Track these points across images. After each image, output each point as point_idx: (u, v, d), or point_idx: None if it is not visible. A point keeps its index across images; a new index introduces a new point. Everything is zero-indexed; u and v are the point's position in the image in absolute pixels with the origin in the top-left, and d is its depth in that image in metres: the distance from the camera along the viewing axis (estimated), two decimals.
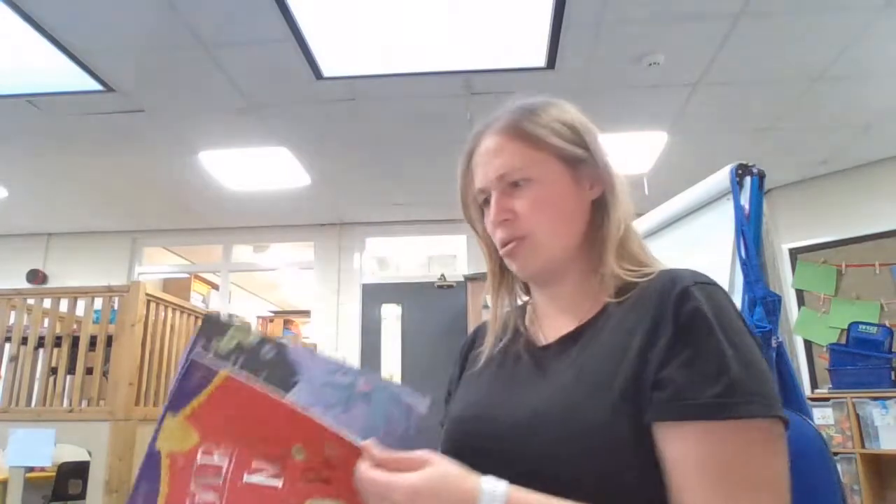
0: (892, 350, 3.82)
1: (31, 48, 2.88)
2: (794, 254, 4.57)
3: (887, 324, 3.95)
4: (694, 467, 0.60)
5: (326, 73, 3.16)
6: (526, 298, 0.91)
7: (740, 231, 1.62)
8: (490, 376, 0.82)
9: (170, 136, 3.89)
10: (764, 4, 2.67)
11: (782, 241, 4.60)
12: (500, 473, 0.61)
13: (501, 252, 0.81)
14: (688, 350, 0.63)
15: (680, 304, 0.66)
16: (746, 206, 1.64)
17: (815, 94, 3.45)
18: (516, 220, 0.78)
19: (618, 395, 0.64)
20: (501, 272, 0.88)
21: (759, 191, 1.64)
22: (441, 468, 0.59)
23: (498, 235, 0.80)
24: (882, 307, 4.08)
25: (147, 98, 3.43)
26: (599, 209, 0.79)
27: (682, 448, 0.61)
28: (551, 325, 0.81)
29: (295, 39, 2.86)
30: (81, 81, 3.18)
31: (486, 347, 0.86)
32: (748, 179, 1.66)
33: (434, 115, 3.62)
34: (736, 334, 0.64)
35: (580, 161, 0.79)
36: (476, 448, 0.71)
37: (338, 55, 3.04)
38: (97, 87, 3.25)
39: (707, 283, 0.69)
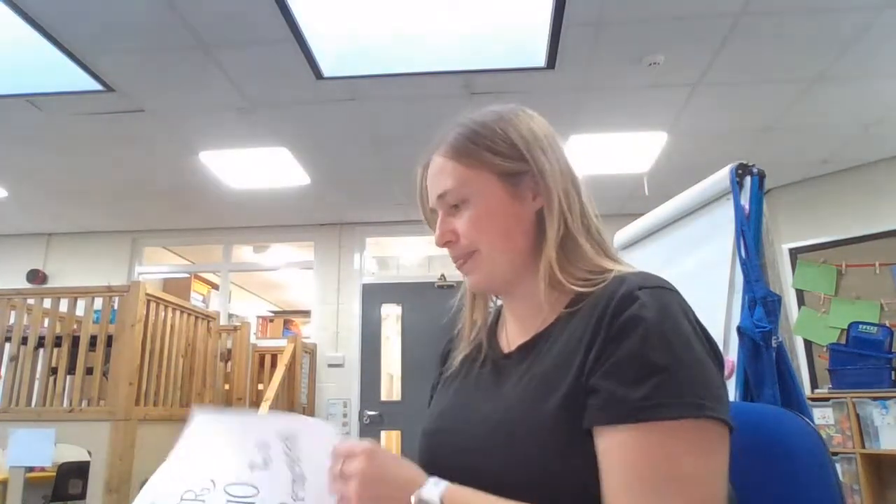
0: (892, 350, 3.81)
1: (31, 48, 2.88)
2: (794, 254, 4.57)
3: (887, 324, 3.95)
4: (619, 469, 0.61)
5: (326, 73, 3.16)
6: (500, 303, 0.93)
7: (740, 231, 1.62)
8: (457, 386, 0.85)
9: (170, 136, 3.89)
10: (764, 4, 2.67)
11: (782, 241, 4.60)
12: (470, 485, 0.64)
13: (456, 267, 0.84)
14: (617, 354, 0.64)
15: (619, 308, 0.66)
16: (746, 206, 1.64)
17: (815, 94, 3.45)
18: (458, 241, 0.81)
19: (558, 403, 0.66)
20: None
21: (759, 191, 1.64)
22: (383, 455, 0.66)
23: (450, 254, 0.83)
24: (882, 307, 4.08)
25: (147, 98, 3.43)
26: (542, 220, 0.79)
27: (610, 450, 0.62)
28: (513, 333, 0.84)
29: (295, 39, 2.86)
30: (81, 81, 3.18)
31: (459, 353, 0.89)
32: (748, 179, 1.67)
33: (434, 115, 3.62)
34: (676, 336, 0.63)
35: (519, 174, 0.79)
36: (445, 462, 0.74)
37: (338, 55, 3.04)
38: (97, 87, 3.24)
39: (656, 287, 0.68)
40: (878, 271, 4.17)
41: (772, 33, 2.89)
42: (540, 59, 3.05)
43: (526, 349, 0.78)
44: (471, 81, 3.27)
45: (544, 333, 0.77)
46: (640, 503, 0.58)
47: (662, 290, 0.68)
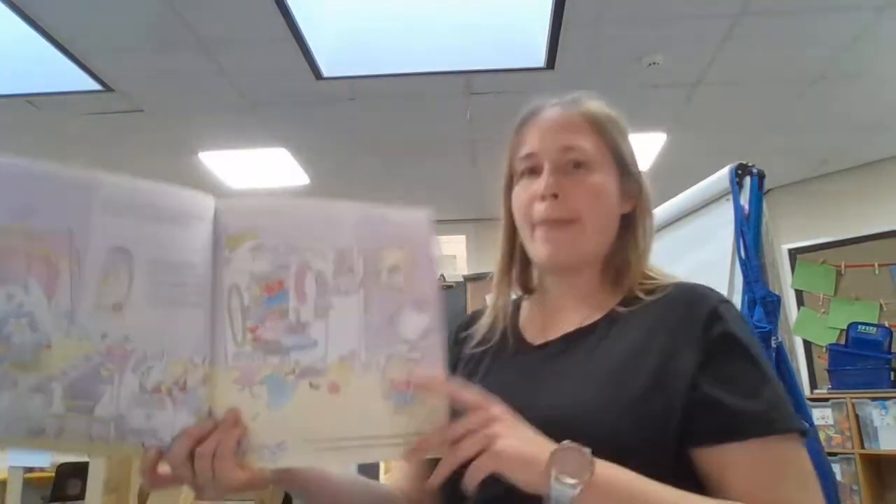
0: (892, 350, 3.81)
1: (31, 48, 2.88)
2: (794, 254, 4.56)
3: (886, 324, 3.95)
4: (748, 482, 0.62)
5: (326, 73, 3.16)
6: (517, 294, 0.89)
7: (740, 231, 1.62)
8: (493, 377, 0.78)
9: (170, 136, 3.89)
10: (764, 4, 2.67)
11: (782, 242, 4.60)
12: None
13: (537, 228, 0.77)
14: (726, 371, 0.65)
15: (711, 323, 0.68)
16: (746, 207, 1.64)
17: (815, 94, 3.45)
18: (566, 201, 0.74)
19: (637, 404, 0.65)
20: (511, 259, 0.85)
21: (758, 191, 1.64)
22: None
23: (540, 211, 0.75)
24: (881, 307, 4.08)
25: (147, 98, 3.43)
26: (626, 225, 0.80)
27: (734, 465, 0.63)
28: (545, 323, 0.80)
29: (295, 39, 2.86)
30: (81, 81, 3.18)
31: (476, 342, 0.83)
32: (748, 179, 1.66)
33: (434, 115, 3.62)
34: (759, 352, 0.68)
35: (628, 175, 0.80)
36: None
37: (338, 55, 3.04)
38: (97, 87, 3.24)
39: (726, 301, 0.72)
40: (877, 272, 4.17)
41: (772, 33, 2.89)
42: (540, 59, 3.05)
43: (573, 339, 0.75)
44: (471, 81, 3.27)
45: (592, 328, 0.75)
46: (784, 500, 0.62)
47: (732, 304, 0.73)
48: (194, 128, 3.81)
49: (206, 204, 0.62)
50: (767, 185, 1.70)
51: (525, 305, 0.87)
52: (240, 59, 3.06)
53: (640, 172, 0.81)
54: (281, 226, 0.62)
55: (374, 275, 0.63)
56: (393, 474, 0.86)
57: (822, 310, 4.33)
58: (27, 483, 3.49)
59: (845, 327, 4.02)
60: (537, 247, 0.77)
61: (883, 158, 4.33)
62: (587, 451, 0.57)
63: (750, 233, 1.61)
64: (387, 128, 3.82)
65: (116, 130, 3.78)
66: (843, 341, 4.03)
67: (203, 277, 0.60)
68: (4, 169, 0.58)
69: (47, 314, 0.55)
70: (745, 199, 1.66)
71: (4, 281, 0.55)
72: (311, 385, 0.59)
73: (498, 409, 0.60)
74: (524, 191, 0.78)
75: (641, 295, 0.74)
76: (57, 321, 0.56)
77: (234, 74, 3.19)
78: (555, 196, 0.74)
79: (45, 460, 3.29)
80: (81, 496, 3.44)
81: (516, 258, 0.85)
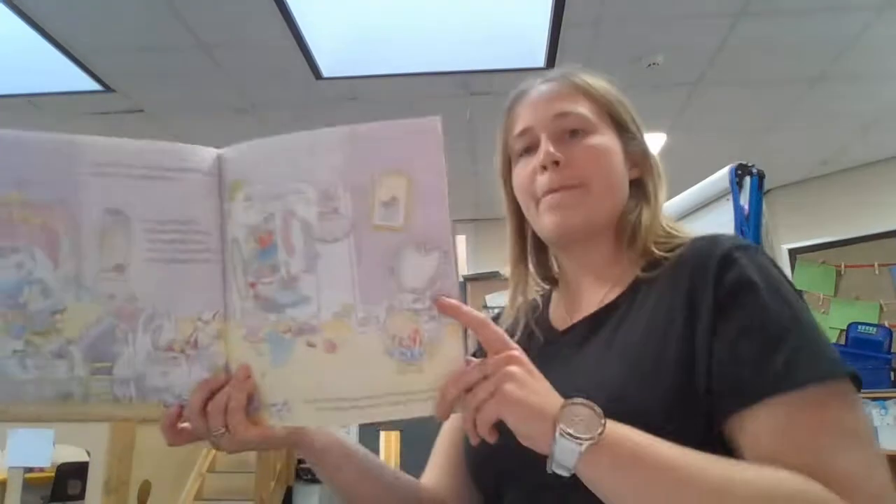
0: (892, 351, 3.81)
1: (31, 48, 2.88)
2: (794, 254, 4.56)
3: (887, 324, 3.95)
4: (776, 442, 0.54)
5: (326, 73, 3.16)
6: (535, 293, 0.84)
7: (740, 231, 1.62)
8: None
9: (170, 136, 3.88)
10: (764, 4, 2.67)
11: (782, 242, 4.60)
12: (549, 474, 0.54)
13: (541, 201, 0.72)
14: (740, 323, 0.58)
15: (721, 270, 0.61)
16: (746, 207, 1.64)
17: (814, 95, 3.45)
18: (568, 167, 0.70)
19: (667, 380, 0.59)
20: (522, 249, 0.81)
21: (758, 191, 1.64)
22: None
23: (543, 183, 0.71)
24: (881, 308, 4.08)
25: (147, 98, 3.43)
26: (636, 190, 0.75)
27: (759, 428, 0.55)
28: (574, 306, 0.76)
29: (295, 39, 2.86)
30: (81, 81, 3.18)
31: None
32: (748, 179, 1.66)
33: (434, 115, 3.61)
34: (790, 295, 0.60)
35: (630, 138, 0.76)
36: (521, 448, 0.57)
37: (338, 55, 3.04)
38: (97, 87, 3.24)
39: (749, 247, 0.64)
40: (877, 272, 4.17)
41: (772, 33, 2.89)
42: (539, 59, 3.05)
43: (592, 322, 0.71)
44: (470, 81, 3.27)
45: (614, 305, 0.70)
46: (818, 462, 0.53)
47: (756, 249, 0.64)
48: (194, 128, 3.81)
49: (201, 156, 0.59)
50: (767, 185, 1.70)
51: (554, 297, 0.82)
52: (240, 60, 3.06)
53: (642, 134, 0.77)
54: (265, 169, 0.57)
55: (365, 214, 0.55)
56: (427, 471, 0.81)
57: (822, 310, 4.33)
58: (27, 483, 3.49)
59: (845, 327, 4.02)
60: (544, 219, 0.72)
61: (883, 158, 4.34)
62: (598, 409, 0.52)
63: (750, 233, 1.61)
64: None
65: (116, 130, 3.76)
66: (843, 341, 4.03)
67: (207, 232, 0.58)
68: None
69: (55, 280, 0.56)
70: (744, 199, 1.66)
71: (14, 250, 0.55)
72: (307, 344, 0.55)
73: (517, 353, 0.55)
74: (524, 168, 0.74)
75: (662, 254, 0.69)
76: (66, 286, 0.56)
77: (234, 74, 3.19)
78: (556, 164, 0.70)
79: (45, 460, 3.28)
80: (81, 496, 3.44)
81: (529, 248, 0.81)
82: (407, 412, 0.56)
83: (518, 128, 0.75)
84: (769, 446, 0.54)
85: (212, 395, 0.57)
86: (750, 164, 1.68)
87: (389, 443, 5.35)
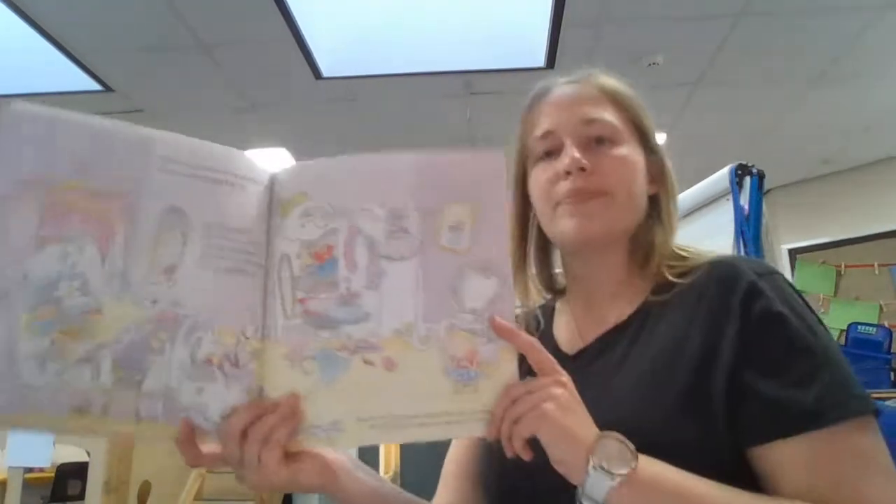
0: (892, 351, 3.81)
1: (31, 48, 2.88)
2: (794, 254, 4.57)
3: (886, 324, 3.95)
4: (804, 476, 0.55)
5: (326, 73, 3.16)
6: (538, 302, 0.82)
7: (740, 231, 1.62)
8: None
9: None
10: (764, 4, 2.67)
11: (782, 242, 4.60)
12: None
13: (560, 206, 0.69)
14: (769, 356, 0.58)
15: (748, 301, 0.60)
16: (746, 207, 1.64)
17: (815, 95, 3.45)
18: (594, 174, 0.68)
19: (678, 406, 0.58)
20: (523, 256, 0.79)
21: (758, 191, 1.64)
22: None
23: (566, 188, 0.68)
24: (881, 308, 4.08)
25: (147, 98, 3.43)
26: (651, 207, 0.74)
27: (785, 463, 0.55)
28: (589, 317, 0.74)
29: (294, 39, 2.86)
30: (81, 81, 3.18)
31: None
32: (748, 179, 1.66)
33: (434, 115, 3.61)
34: (811, 328, 0.59)
35: (652, 152, 0.74)
36: (546, 476, 0.56)
37: (338, 55, 3.04)
38: (97, 87, 3.24)
39: (772, 273, 0.63)
40: (877, 272, 4.17)
41: (772, 33, 2.89)
42: (539, 59, 3.05)
43: (602, 344, 0.70)
44: (470, 81, 3.27)
45: (625, 325, 0.69)
46: (847, 496, 0.53)
47: (779, 276, 0.63)
48: (194, 128, 3.79)
49: (261, 169, 0.58)
50: (767, 185, 1.70)
51: (558, 309, 0.80)
52: (240, 59, 3.06)
53: (662, 151, 0.75)
54: (330, 186, 0.57)
55: (432, 235, 0.56)
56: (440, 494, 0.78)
57: (822, 310, 4.33)
58: (27, 483, 3.48)
59: (845, 327, 4.02)
60: (561, 223, 0.69)
61: (883, 158, 4.34)
62: (631, 444, 0.53)
63: (750, 233, 1.61)
64: (387, 128, 3.82)
65: None
66: (842, 342, 4.03)
67: (257, 245, 0.56)
68: (61, 122, 0.55)
69: (99, 276, 0.52)
70: (744, 199, 1.66)
71: (61, 239, 0.52)
72: (364, 361, 0.55)
73: (565, 378, 0.56)
74: (544, 172, 0.71)
75: (673, 279, 0.67)
76: (109, 283, 0.52)
77: (233, 74, 3.19)
78: (581, 170, 0.68)
79: (45, 460, 3.28)
80: (81, 496, 3.44)
81: (532, 254, 0.79)
82: (460, 432, 0.57)
83: (540, 129, 0.73)
84: (797, 479, 0.55)
85: (251, 422, 0.54)
86: (749, 165, 1.68)
87: (389, 449, 5.33)
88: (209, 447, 0.56)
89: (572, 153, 0.68)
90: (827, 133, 3.98)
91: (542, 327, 0.79)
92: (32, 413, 0.50)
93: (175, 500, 3.53)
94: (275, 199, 0.57)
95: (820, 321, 0.61)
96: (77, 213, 0.52)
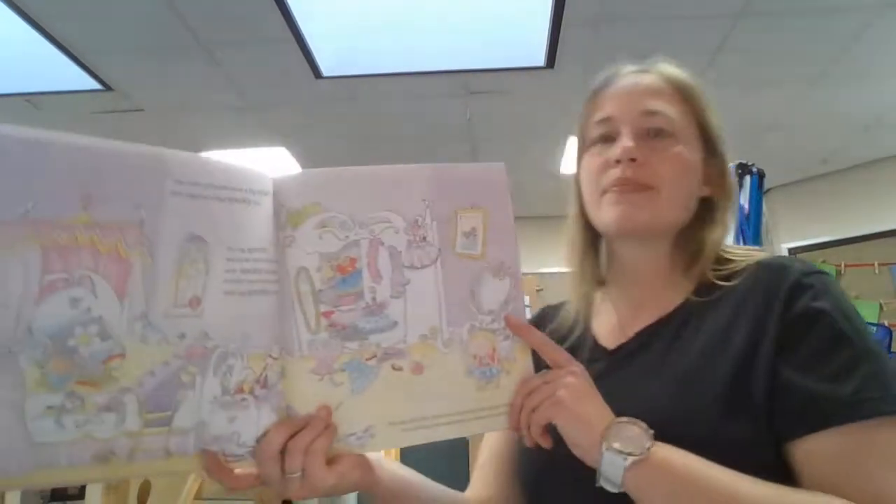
0: (892, 350, 3.81)
1: (31, 48, 2.88)
2: (794, 253, 4.56)
3: (886, 324, 3.95)
4: (837, 470, 0.54)
5: (326, 72, 3.16)
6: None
7: (740, 230, 1.62)
8: None
9: (169, 136, 3.89)
10: (764, 4, 2.66)
11: (781, 241, 4.60)
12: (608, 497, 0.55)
13: (606, 193, 0.69)
14: (808, 351, 0.58)
15: (792, 296, 0.60)
16: (746, 206, 1.64)
17: (814, 94, 3.45)
18: (646, 166, 0.67)
19: (718, 406, 0.58)
20: (588, 244, 0.77)
21: (758, 190, 1.65)
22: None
23: (614, 175, 0.68)
24: (881, 307, 4.08)
25: (147, 98, 3.43)
26: (703, 211, 0.73)
27: (821, 454, 0.55)
28: (630, 311, 0.73)
29: (295, 39, 2.85)
30: (81, 81, 3.18)
31: (555, 334, 0.75)
32: (748, 179, 1.67)
33: (434, 114, 3.61)
34: (859, 324, 0.59)
35: (712, 154, 0.73)
36: (576, 470, 0.57)
37: (338, 55, 3.04)
38: (97, 86, 3.24)
39: (818, 273, 0.63)
40: (877, 271, 4.17)
41: (772, 33, 2.89)
42: (539, 59, 3.05)
43: (642, 339, 0.69)
44: (470, 81, 3.26)
45: (666, 321, 0.69)
46: (879, 493, 0.52)
47: (826, 276, 0.63)
48: (194, 128, 3.80)
49: (266, 178, 0.56)
50: (767, 184, 1.70)
51: (598, 300, 0.79)
52: (240, 59, 3.06)
53: (725, 154, 0.73)
54: (345, 197, 0.57)
55: (449, 243, 0.59)
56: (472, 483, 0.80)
57: None
58: None
59: None
60: (605, 211, 0.69)
61: (883, 158, 4.34)
62: (647, 428, 0.54)
63: (750, 231, 1.62)
64: (387, 127, 3.82)
65: (116, 130, 3.78)
66: None
67: (274, 261, 0.55)
68: (56, 146, 0.47)
69: (119, 318, 0.48)
70: (745, 199, 1.66)
71: (67, 283, 0.46)
72: (393, 367, 0.57)
73: (578, 369, 0.58)
74: (596, 157, 0.71)
75: (718, 282, 0.67)
76: (130, 326, 0.48)
77: (233, 74, 3.18)
78: (632, 160, 0.67)
79: None
80: (81, 496, 3.45)
81: (590, 243, 0.78)
82: (485, 427, 0.61)
83: (600, 115, 0.73)
84: (829, 473, 0.54)
85: (288, 438, 0.55)
86: (749, 164, 1.69)
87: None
88: (243, 469, 0.56)
89: (626, 142, 0.68)
90: (827, 132, 3.98)
91: (573, 322, 0.77)
92: (47, 469, 0.46)
93: (175, 500, 3.54)
94: (281, 209, 0.56)
95: (866, 325, 0.61)
96: (85, 251, 0.47)
